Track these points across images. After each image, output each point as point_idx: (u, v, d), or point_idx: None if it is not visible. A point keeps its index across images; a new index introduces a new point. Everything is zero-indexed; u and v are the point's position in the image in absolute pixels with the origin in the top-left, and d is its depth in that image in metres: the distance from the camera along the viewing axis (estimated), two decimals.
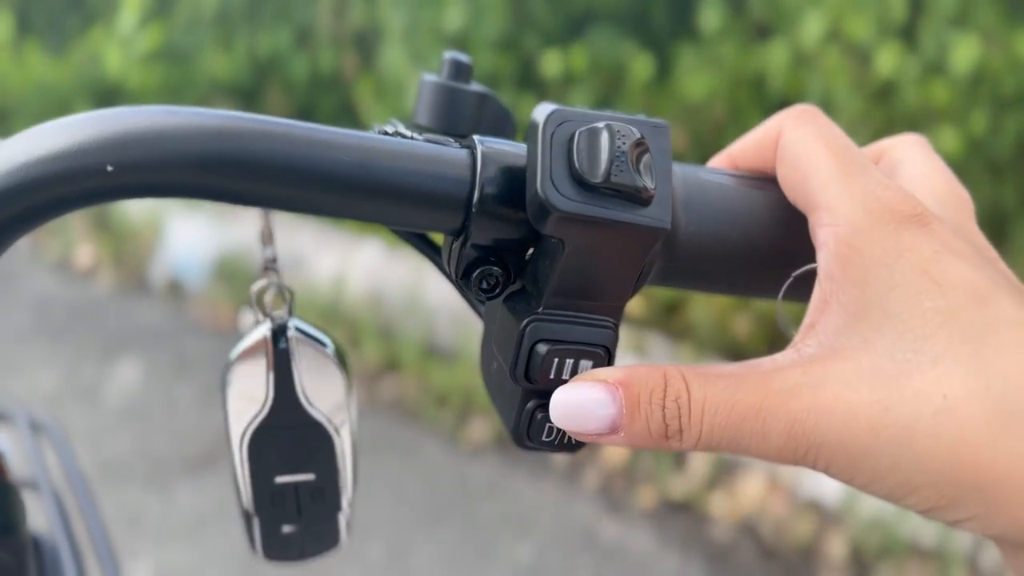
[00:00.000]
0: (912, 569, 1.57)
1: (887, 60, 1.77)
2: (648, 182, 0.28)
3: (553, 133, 0.28)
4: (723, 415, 0.29)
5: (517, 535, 1.69)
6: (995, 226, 1.98)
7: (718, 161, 0.36)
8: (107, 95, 3.09)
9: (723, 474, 1.80)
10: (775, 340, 1.94)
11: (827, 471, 0.29)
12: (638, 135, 0.28)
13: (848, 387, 0.28)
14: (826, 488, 1.70)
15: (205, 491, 1.77)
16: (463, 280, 0.31)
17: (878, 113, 1.86)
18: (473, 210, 0.29)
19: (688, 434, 0.29)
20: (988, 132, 1.82)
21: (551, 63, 2.13)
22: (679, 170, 0.32)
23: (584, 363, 0.30)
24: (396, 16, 2.35)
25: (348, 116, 2.73)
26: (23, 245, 2.84)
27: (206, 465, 1.85)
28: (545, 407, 0.31)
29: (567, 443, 0.32)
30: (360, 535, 1.66)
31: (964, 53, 1.71)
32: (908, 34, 1.85)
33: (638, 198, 0.28)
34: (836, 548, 1.63)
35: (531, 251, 0.31)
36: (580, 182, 0.28)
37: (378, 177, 0.28)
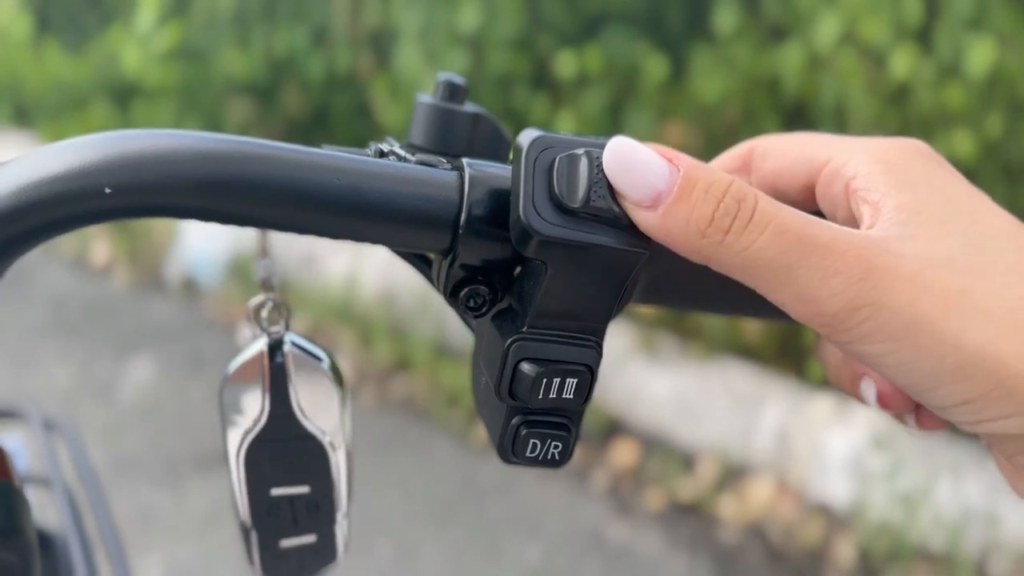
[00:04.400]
0: (920, 574, 1.57)
1: (902, 62, 1.76)
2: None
3: (536, 159, 0.29)
4: (790, 237, 0.27)
5: (525, 535, 1.70)
6: None
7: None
8: (125, 93, 3.12)
9: (732, 477, 1.80)
10: (785, 345, 1.94)
11: (865, 338, 0.28)
12: None
13: (928, 263, 0.28)
14: (835, 492, 1.70)
15: (217, 488, 1.79)
16: (451, 298, 0.32)
17: (893, 116, 1.85)
18: (460, 231, 0.30)
19: (736, 238, 0.27)
20: (1004, 136, 1.81)
21: (565, 63, 2.13)
22: None
23: (568, 381, 0.31)
24: (411, 16, 2.36)
25: (364, 116, 2.74)
26: None
27: (218, 462, 1.86)
28: (529, 424, 0.32)
29: (550, 459, 0.33)
30: (369, 533, 1.67)
31: (980, 56, 1.70)
32: (923, 36, 1.84)
33: (617, 223, 0.29)
34: (845, 552, 1.63)
35: (518, 269, 0.32)
36: (560, 207, 0.29)
37: (368, 199, 0.29)
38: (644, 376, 1.96)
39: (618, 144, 0.29)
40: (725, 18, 1.98)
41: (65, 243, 2.94)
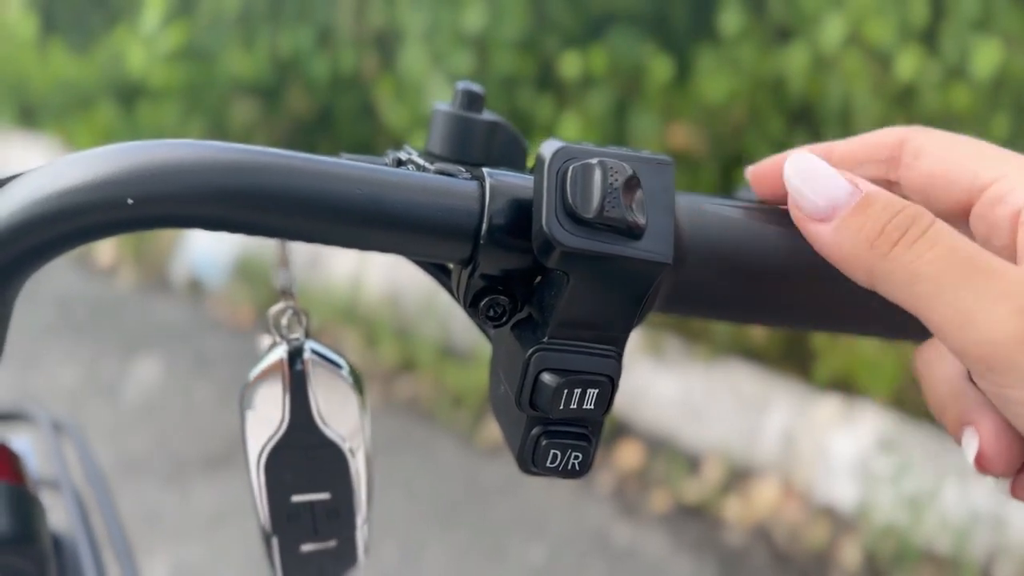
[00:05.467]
0: None
1: (908, 64, 1.76)
2: (639, 218, 0.29)
3: (559, 170, 0.29)
4: (960, 256, 0.26)
5: (530, 536, 1.70)
6: None
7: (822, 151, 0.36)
8: (130, 93, 3.12)
9: (737, 479, 1.80)
10: (791, 347, 1.93)
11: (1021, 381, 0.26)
12: (630, 172, 0.29)
13: None
14: (841, 494, 1.70)
15: (223, 488, 1.79)
16: (471, 308, 0.32)
17: (898, 117, 1.85)
18: (481, 242, 0.30)
19: (904, 250, 0.27)
20: (1010, 137, 1.81)
21: (570, 64, 2.13)
22: (684, 202, 0.33)
23: (589, 392, 0.31)
24: (416, 17, 2.36)
25: (368, 116, 2.74)
26: None
27: (224, 462, 1.87)
28: (550, 434, 0.32)
29: (570, 469, 0.33)
30: (373, 533, 1.67)
31: (986, 57, 1.69)
32: (929, 38, 1.84)
33: (631, 232, 0.29)
34: (850, 554, 1.63)
35: (538, 279, 0.32)
36: (573, 217, 0.29)
37: (389, 210, 0.29)
38: (650, 377, 1.96)
39: (802, 157, 0.30)
40: (730, 19, 1.97)
41: None
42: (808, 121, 2.02)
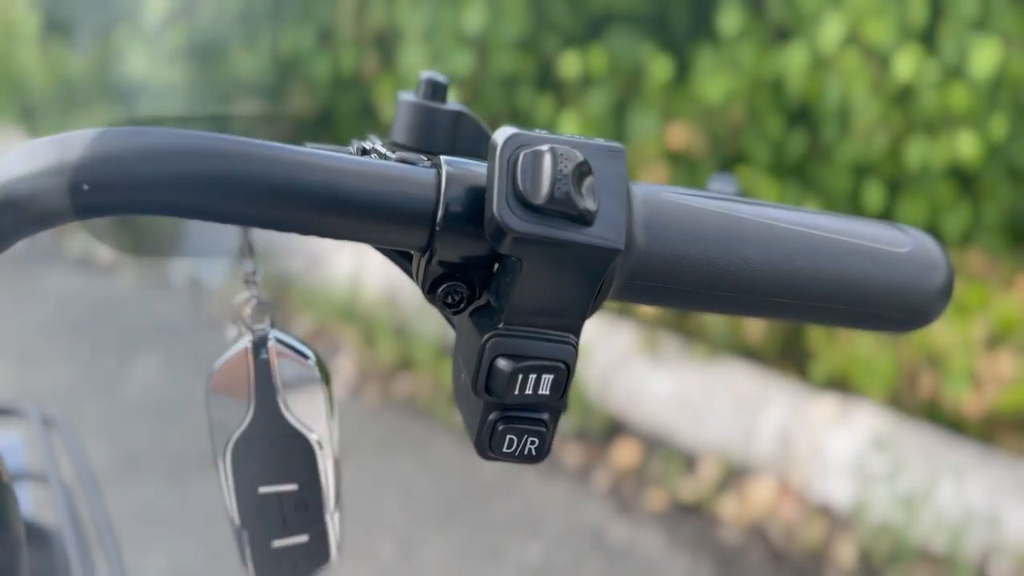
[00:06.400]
0: (921, 575, 1.56)
1: (906, 64, 1.75)
2: (590, 203, 0.29)
3: (510, 156, 0.29)
4: None
5: (527, 534, 1.70)
6: (1016, 233, 1.96)
7: None
8: (131, 93, 3.12)
9: (733, 477, 1.80)
10: (788, 346, 1.93)
11: None
12: (580, 158, 0.29)
13: None
14: (836, 493, 1.69)
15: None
16: (429, 295, 0.32)
17: (896, 117, 1.85)
18: (437, 228, 0.30)
19: None
20: (1008, 137, 1.81)
21: (570, 64, 2.13)
22: (640, 191, 0.33)
23: (544, 378, 0.31)
24: (416, 17, 2.36)
25: (368, 116, 2.75)
26: (46, 241, 2.88)
27: None
28: (506, 419, 0.32)
29: (527, 455, 0.33)
30: (371, 532, 1.68)
31: (984, 57, 1.69)
32: (928, 38, 1.84)
33: (582, 218, 0.29)
34: (845, 553, 1.62)
35: (496, 266, 0.32)
36: (524, 202, 0.29)
37: (344, 196, 0.29)
38: (646, 376, 1.96)
39: None
40: (730, 19, 1.97)
41: (72, 241, 2.95)
42: (806, 121, 2.02)
